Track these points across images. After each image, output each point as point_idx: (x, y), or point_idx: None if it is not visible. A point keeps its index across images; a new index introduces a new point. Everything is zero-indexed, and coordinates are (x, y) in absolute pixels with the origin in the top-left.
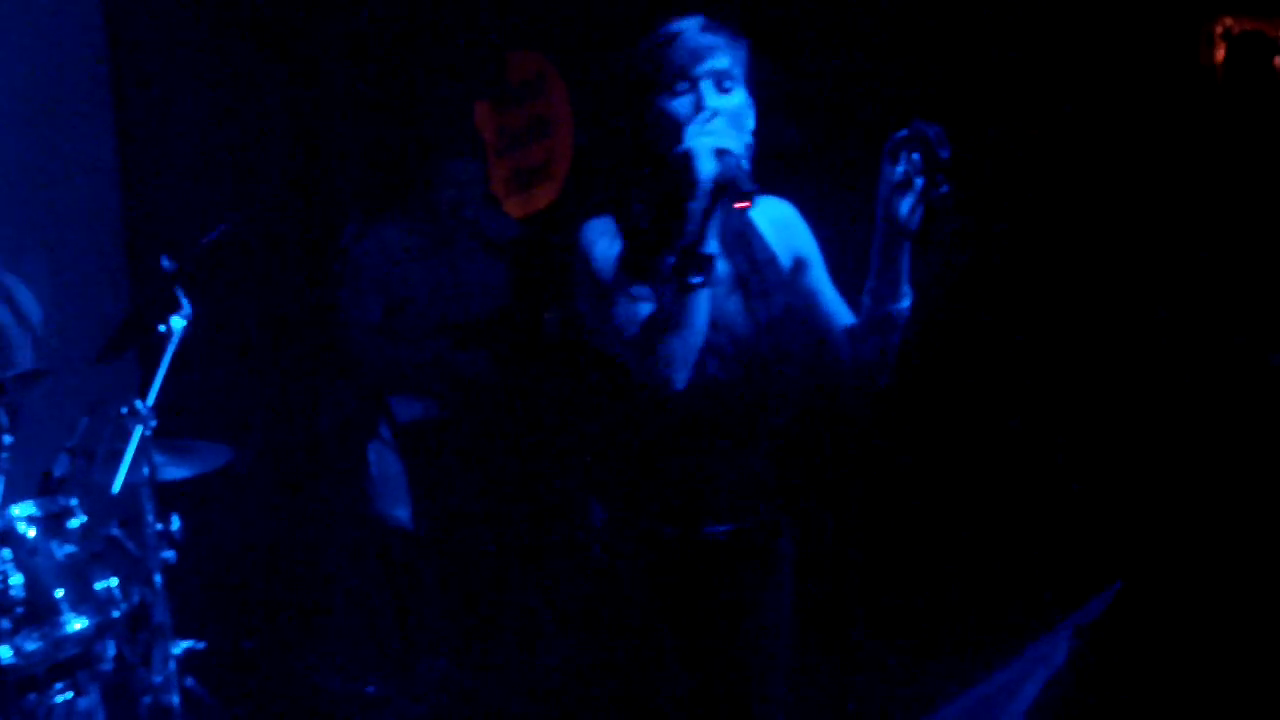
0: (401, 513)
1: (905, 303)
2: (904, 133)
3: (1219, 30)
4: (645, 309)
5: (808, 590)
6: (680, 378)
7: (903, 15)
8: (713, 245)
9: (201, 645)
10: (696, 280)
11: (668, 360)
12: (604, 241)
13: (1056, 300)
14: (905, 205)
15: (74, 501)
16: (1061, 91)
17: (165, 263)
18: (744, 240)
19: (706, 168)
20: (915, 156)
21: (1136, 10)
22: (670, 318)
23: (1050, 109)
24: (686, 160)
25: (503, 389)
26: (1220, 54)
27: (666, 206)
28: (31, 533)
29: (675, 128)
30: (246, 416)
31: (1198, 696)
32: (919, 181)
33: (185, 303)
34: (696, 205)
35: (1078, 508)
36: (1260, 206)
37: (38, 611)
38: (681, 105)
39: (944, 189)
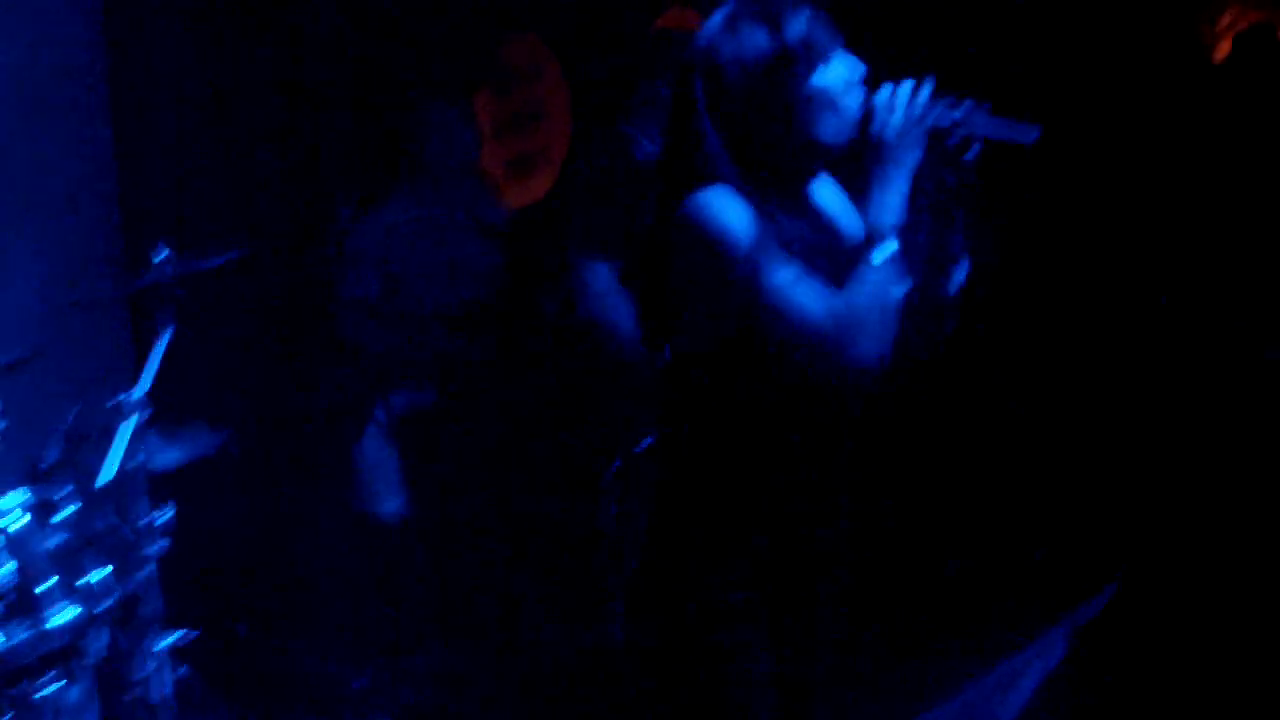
0: (394, 501)
1: (961, 276)
2: None
3: (1225, 22)
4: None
5: None
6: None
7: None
8: None
9: (194, 634)
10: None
11: (871, 348)
12: (741, 213)
13: (1055, 294)
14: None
15: (66, 490)
16: (1065, 85)
17: (163, 251)
18: (815, 209)
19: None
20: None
21: (1141, 4)
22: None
23: (1054, 102)
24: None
25: (501, 375)
26: (1226, 47)
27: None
28: (22, 521)
29: (836, 103)
30: (241, 401)
31: (1194, 694)
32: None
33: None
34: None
35: (1076, 505)
36: (1261, 201)
37: (27, 601)
38: (834, 77)
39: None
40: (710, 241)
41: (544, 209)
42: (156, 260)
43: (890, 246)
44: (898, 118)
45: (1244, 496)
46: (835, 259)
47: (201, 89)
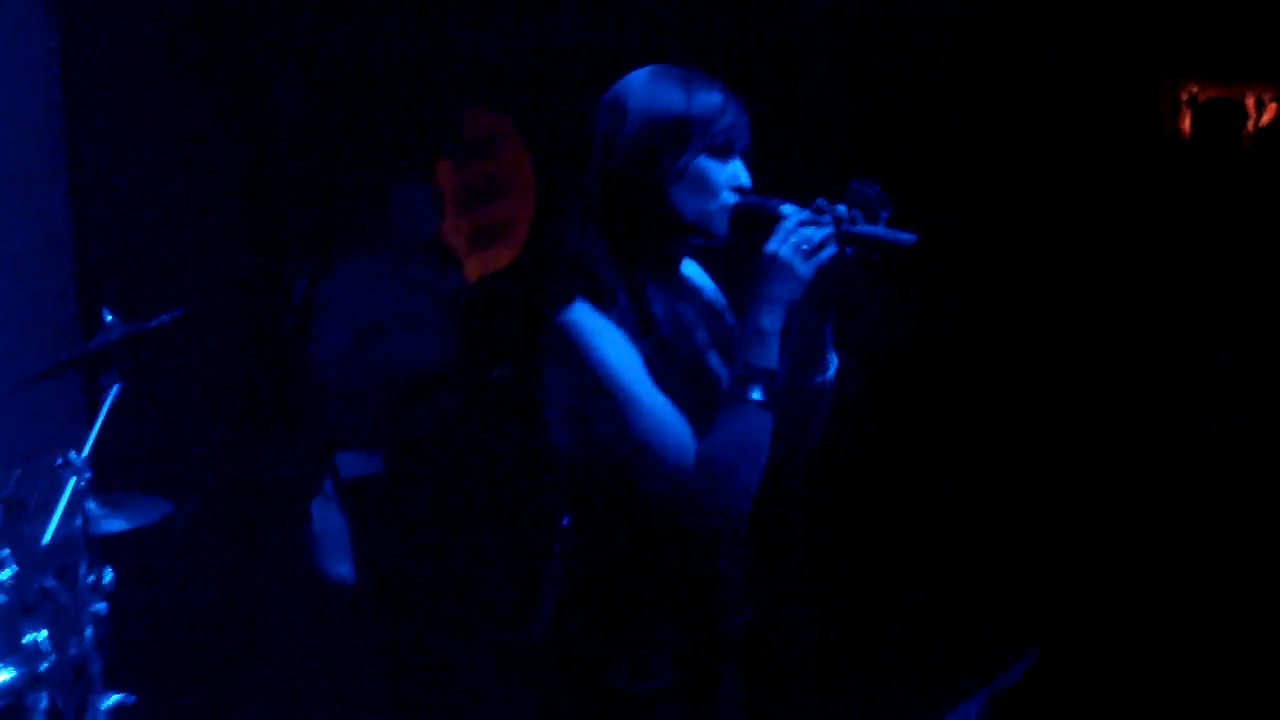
0: (343, 569)
1: (831, 372)
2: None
3: (1184, 97)
4: (684, 430)
5: None
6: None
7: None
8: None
9: (132, 699)
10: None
11: (741, 493)
12: (614, 340)
13: (987, 363)
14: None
15: (5, 552)
16: (1024, 158)
17: (107, 316)
18: (693, 290)
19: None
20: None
21: (1103, 76)
22: (739, 442)
23: (1010, 175)
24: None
25: (450, 444)
26: (1187, 121)
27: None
28: None
29: (710, 193)
30: (188, 470)
31: None
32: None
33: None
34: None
35: (994, 577)
36: (1206, 272)
37: None
38: (719, 171)
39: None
40: (576, 368)
41: (500, 280)
42: (104, 325)
43: (758, 391)
44: (792, 243)
45: (1173, 566)
46: (719, 339)
47: (159, 155)
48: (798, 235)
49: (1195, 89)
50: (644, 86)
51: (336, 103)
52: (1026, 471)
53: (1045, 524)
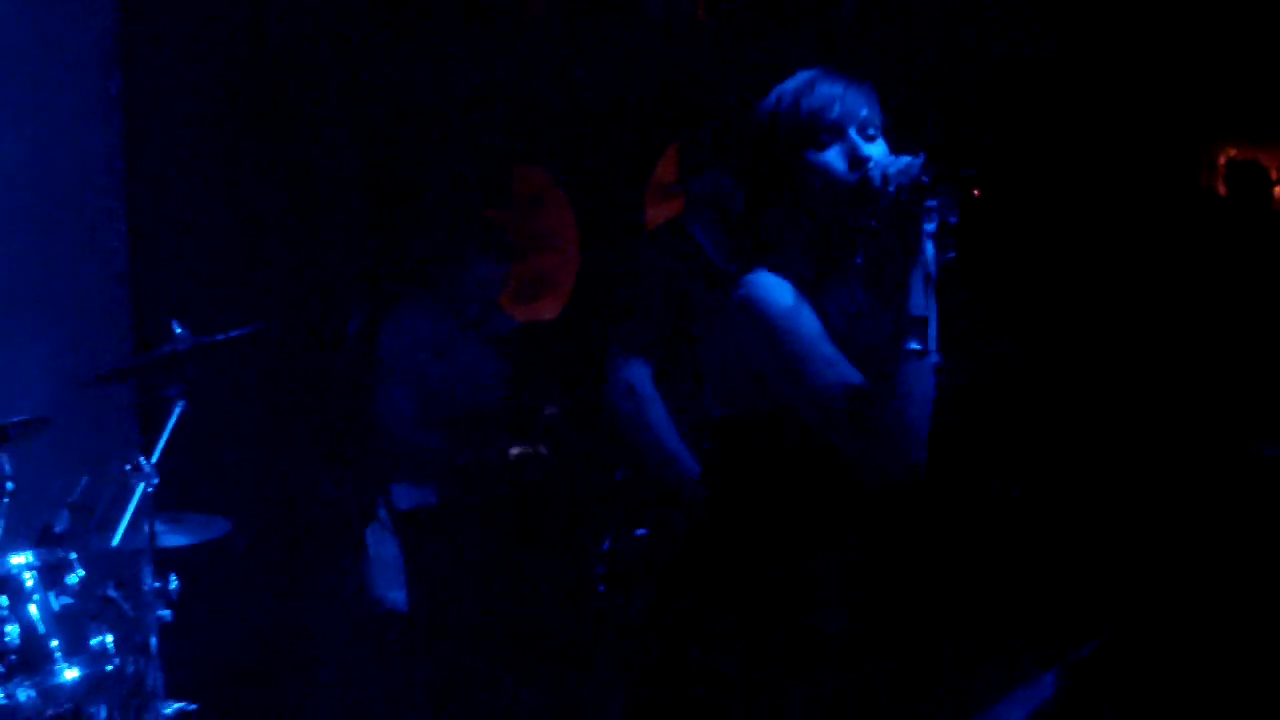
0: (396, 596)
1: (930, 346)
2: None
3: (1223, 160)
4: (856, 378)
5: None
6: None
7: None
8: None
9: (193, 707)
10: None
11: (915, 442)
12: (796, 302)
13: (1055, 382)
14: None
15: (73, 556)
16: (1070, 209)
17: (176, 328)
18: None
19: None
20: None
21: (1144, 143)
22: (910, 391)
23: (1058, 223)
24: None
25: (505, 480)
26: (1223, 183)
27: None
28: (30, 581)
29: (833, 182)
30: (247, 492)
31: None
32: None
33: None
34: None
35: (1071, 575)
36: (1252, 306)
37: (32, 660)
38: (832, 158)
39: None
40: (762, 324)
41: (547, 325)
42: (173, 335)
43: (914, 341)
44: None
45: (1229, 576)
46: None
47: (216, 180)
48: (897, 174)
49: (1233, 152)
50: (809, 93)
51: (392, 150)
52: (1096, 484)
53: (1115, 532)
